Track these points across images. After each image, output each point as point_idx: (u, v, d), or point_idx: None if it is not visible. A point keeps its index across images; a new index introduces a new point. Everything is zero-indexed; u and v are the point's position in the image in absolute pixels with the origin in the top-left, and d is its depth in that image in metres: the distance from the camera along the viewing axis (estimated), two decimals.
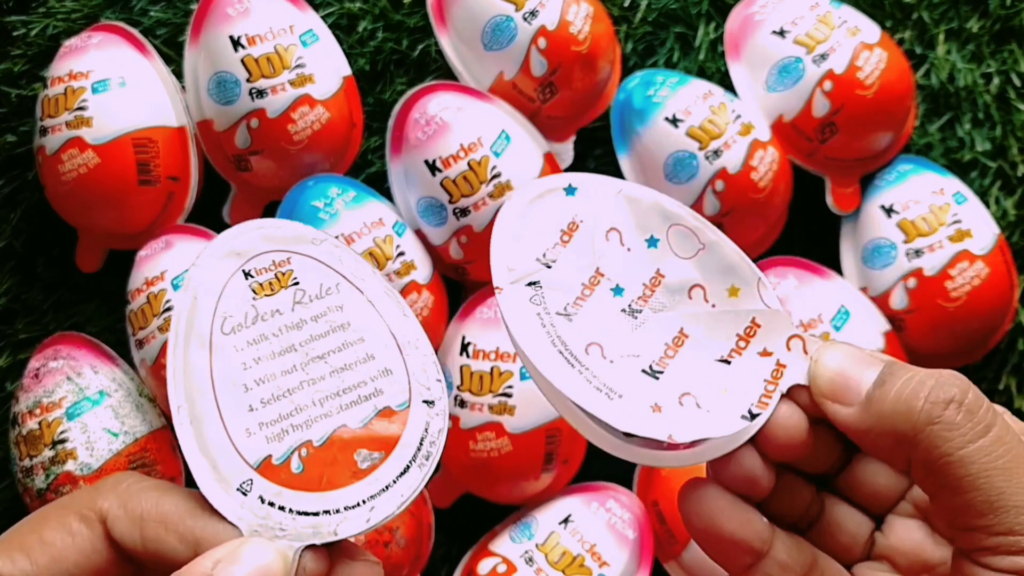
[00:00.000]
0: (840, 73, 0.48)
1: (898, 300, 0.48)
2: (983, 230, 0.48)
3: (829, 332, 0.46)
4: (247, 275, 0.29)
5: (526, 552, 0.45)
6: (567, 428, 0.46)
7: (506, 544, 0.46)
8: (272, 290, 0.29)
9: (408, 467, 0.28)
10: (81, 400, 0.46)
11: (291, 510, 0.26)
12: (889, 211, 0.49)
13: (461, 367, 0.46)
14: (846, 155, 0.50)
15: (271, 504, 0.26)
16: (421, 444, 0.28)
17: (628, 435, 0.29)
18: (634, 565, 0.46)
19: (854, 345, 0.28)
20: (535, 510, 0.47)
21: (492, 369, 0.45)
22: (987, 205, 0.51)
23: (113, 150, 0.47)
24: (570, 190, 0.30)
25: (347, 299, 0.29)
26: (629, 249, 0.30)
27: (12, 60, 0.53)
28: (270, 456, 0.27)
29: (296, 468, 0.27)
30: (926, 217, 0.48)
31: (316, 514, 0.26)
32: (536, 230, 0.30)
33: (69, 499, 0.27)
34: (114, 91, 0.47)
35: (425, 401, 0.29)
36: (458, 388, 0.46)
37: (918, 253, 0.48)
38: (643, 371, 0.29)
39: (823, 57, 0.48)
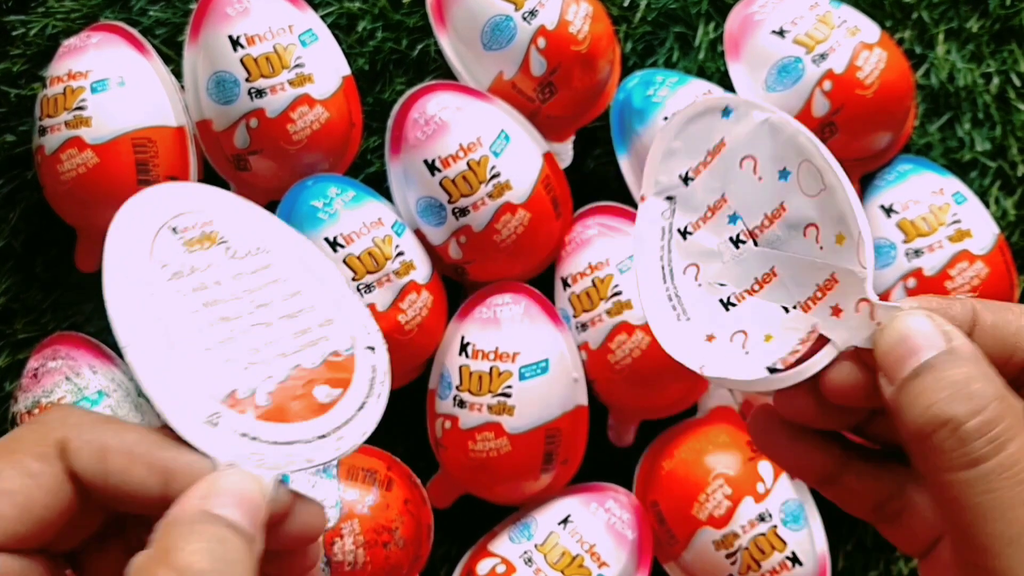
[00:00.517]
0: (840, 73, 0.48)
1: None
2: (983, 230, 0.48)
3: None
4: (174, 231, 0.29)
5: (525, 552, 0.45)
6: (566, 428, 0.46)
7: (505, 544, 0.46)
8: (203, 246, 0.30)
9: (364, 403, 0.29)
10: (80, 400, 0.46)
11: (264, 440, 0.27)
12: (889, 211, 0.49)
13: (460, 367, 0.46)
14: (846, 155, 0.50)
15: (244, 435, 0.27)
16: (372, 384, 0.29)
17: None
18: (633, 565, 0.46)
19: (931, 318, 0.26)
20: (534, 510, 0.47)
21: (491, 369, 0.45)
22: (987, 205, 0.51)
23: (112, 150, 0.47)
24: (727, 112, 0.31)
25: (276, 258, 0.30)
26: (760, 178, 0.30)
27: (11, 60, 0.53)
28: (235, 390, 0.27)
29: (262, 401, 0.27)
30: (926, 217, 0.48)
31: (290, 443, 0.27)
32: (688, 147, 0.32)
33: (14, 440, 0.25)
34: (113, 91, 0.47)
35: (368, 347, 0.30)
36: (457, 388, 0.46)
37: (918, 253, 0.48)
38: (720, 300, 0.31)
39: (823, 57, 0.48)
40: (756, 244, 0.30)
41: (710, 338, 0.30)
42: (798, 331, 0.29)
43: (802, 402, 0.28)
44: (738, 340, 0.30)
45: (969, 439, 0.24)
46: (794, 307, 0.29)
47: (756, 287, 0.30)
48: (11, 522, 0.24)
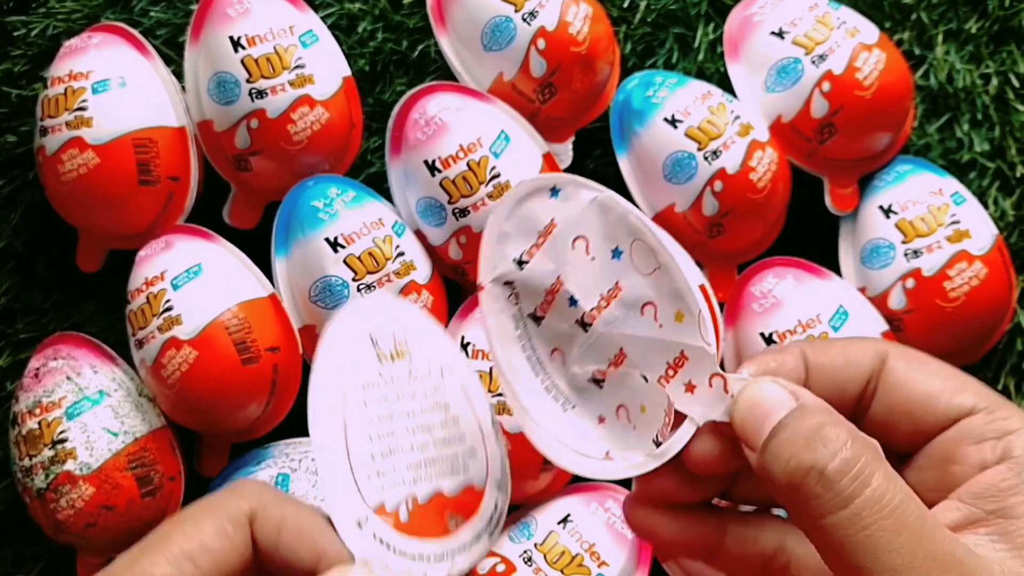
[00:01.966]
0: (839, 74, 0.48)
1: (896, 300, 0.48)
2: (981, 230, 0.49)
3: (828, 332, 0.47)
4: (373, 341, 0.32)
5: (525, 552, 0.45)
6: None
7: (505, 544, 0.46)
8: (392, 361, 0.32)
9: (480, 535, 0.32)
10: (81, 400, 0.46)
11: (395, 550, 0.30)
12: (888, 211, 0.49)
13: None
14: (845, 156, 0.50)
15: (380, 541, 0.29)
16: (491, 520, 0.32)
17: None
18: (633, 565, 0.46)
19: (776, 382, 0.28)
20: (534, 510, 0.47)
21: (491, 369, 0.45)
22: (985, 206, 0.51)
23: (113, 150, 0.47)
24: (554, 192, 0.31)
25: (445, 382, 0.33)
26: (594, 258, 0.30)
27: (12, 60, 0.53)
28: (384, 503, 0.30)
29: (403, 517, 0.30)
30: (924, 217, 0.48)
31: (413, 558, 0.30)
32: (520, 230, 0.31)
33: (213, 503, 0.28)
34: (114, 91, 0.47)
35: (497, 484, 0.33)
36: None
37: (916, 253, 0.48)
38: (592, 380, 0.31)
39: (822, 58, 0.48)
40: (595, 326, 0.30)
41: (601, 420, 0.30)
42: (660, 403, 0.29)
43: (667, 479, 0.29)
44: (623, 415, 0.30)
45: (835, 480, 0.25)
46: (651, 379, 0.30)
47: (612, 368, 0.30)
48: (205, 575, 0.27)
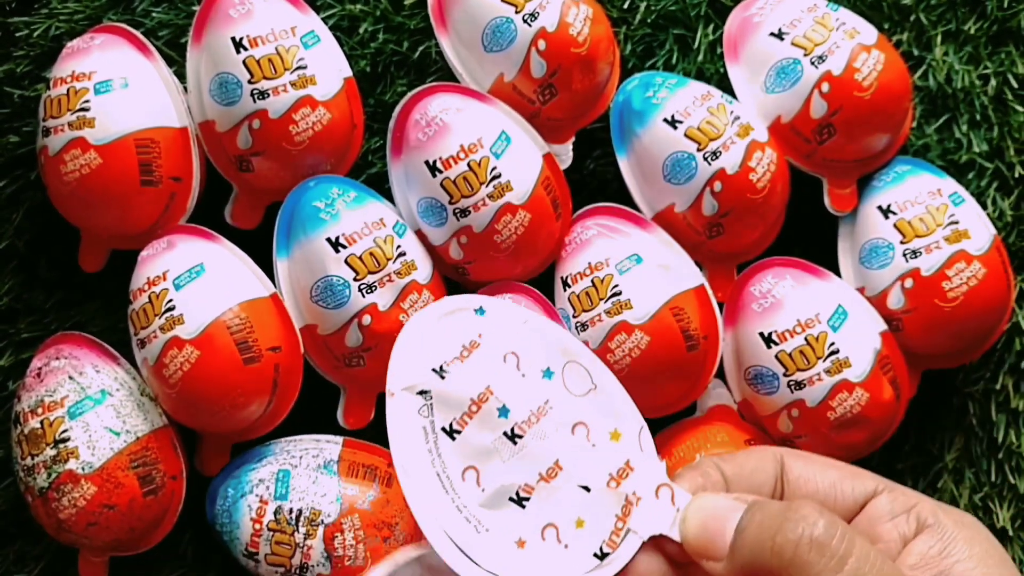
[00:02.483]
0: (838, 75, 0.48)
1: (895, 300, 0.49)
2: (980, 231, 0.49)
3: (826, 332, 0.47)
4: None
5: None
6: None
7: None
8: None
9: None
10: (83, 399, 0.46)
11: None
12: (886, 212, 0.49)
13: None
14: (844, 156, 0.50)
15: None
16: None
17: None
18: None
19: (719, 496, 0.28)
20: None
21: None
22: (984, 206, 0.51)
23: (115, 151, 0.47)
24: (480, 311, 0.31)
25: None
26: (524, 375, 0.30)
27: (15, 61, 0.53)
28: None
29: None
30: (923, 218, 0.49)
31: None
32: (439, 343, 0.31)
33: None
34: (116, 92, 0.48)
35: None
36: None
37: (915, 253, 0.48)
38: (512, 499, 0.29)
39: (821, 59, 0.48)
40: (526, 439, 0.29)
41: (520, 544, 0.29)
42: (608, 512, 0.28)
43: None
44: (551, 536, 0.29)
45: (826, 544, 0.25)
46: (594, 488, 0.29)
47: (543, 482, 0.29)
48: None
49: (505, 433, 0.29)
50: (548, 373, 0.30)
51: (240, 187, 0.50)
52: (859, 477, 0.31)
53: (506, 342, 0.30)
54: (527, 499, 0.29)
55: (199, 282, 0.46)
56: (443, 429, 0.29)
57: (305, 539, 0.45)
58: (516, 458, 0.29)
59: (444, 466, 0.29)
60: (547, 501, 0.29)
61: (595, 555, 0.28)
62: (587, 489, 0.29)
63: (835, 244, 0.51)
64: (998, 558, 0.29)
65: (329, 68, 0.49)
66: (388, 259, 0.46)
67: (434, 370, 0.30)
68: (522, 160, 0.48)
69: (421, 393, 0.30)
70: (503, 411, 0.29)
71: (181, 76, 0.50)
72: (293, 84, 0.47)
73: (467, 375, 0.30)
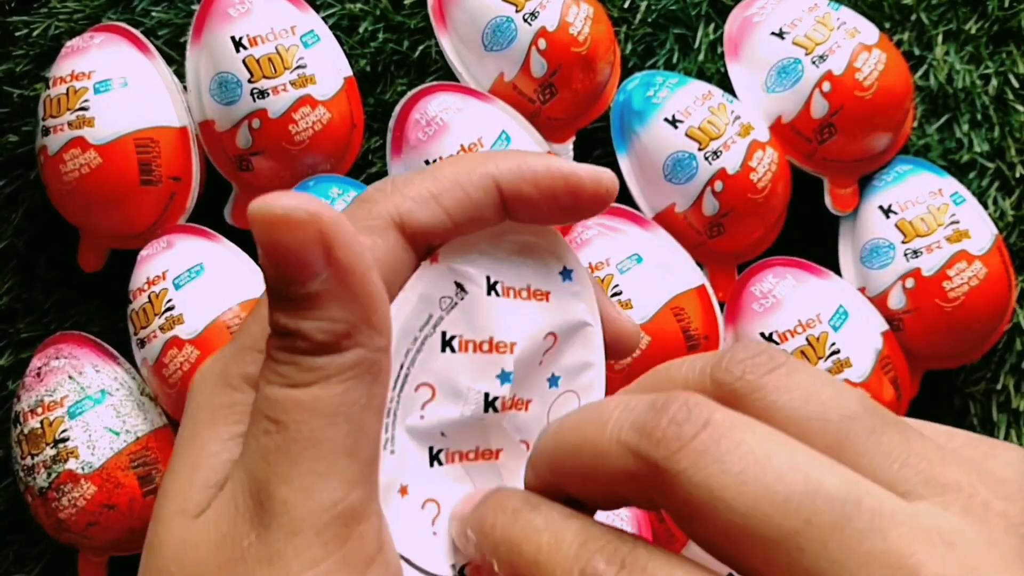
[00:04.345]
0: (839, 74, 0.48)
1: (896, 300, 0.48)
2: (981, 231, 0.49)
3: (827, 332, 0.47)
4: None
5: None
6: None
7: None
8: None
9: None
10: (83, 399, 0.46)
11: None
12: (887, 211, 0.49)
13: None
14: (845, 156, 0.50)
15: None
16: None
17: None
18: None
19: None
20: None
21: None
22: (985, 206, 0.51)
23: (115, 150, 0.47)
24: (566, 274, 0.27)
25: None
26: (541, 363, 0.26)
27: (14, 60, 0.53)
28: None
29: None
30: (924, 218, 0.49)
31: None
32: (509, 264, 0.26)
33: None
34: (116, 91, 0.48)
35: None
36: None
37: (916, 253, 0.48)
38: (430, 449, 0.25)
39: (822, 58, 0.48)
40: (501, 415, 0.25)
41: (403, 491, 0.23)
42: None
43: None
44: (429, 511, 0.24)
45: None
46: None
47: (473, 456, 0.25)
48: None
49: (486, 393, 0.24)
50: (554, 381, 0.26)
51: (240, 187, 0.50)
52: None
53: (561, 319, 0.26)
54: (440, 463, 0.24)
55: (199, 282, 0.46)
56: (442, 333, 0.24)
57: None
58: (472, 420, 0.24)
59: (411, 363, 0.24)
60: (456, 481, 0.25)
61: (454, 567, 0.24)
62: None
63: (836, 244, 0.51)
64: None
65: (329, 67, 0.49)
66: None
67: (487, 283, 0.25)
68: None
69: (457, 286, 0.25)
70: (505, 376, 0.25)
71: (181, 75, 0.50)
72: (293, 83, 0.47)
73: (508, 312, 0.25)
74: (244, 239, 0.49)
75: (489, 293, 0.25)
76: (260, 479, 0.20)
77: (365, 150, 0.52)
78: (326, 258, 0.19)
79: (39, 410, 0.46)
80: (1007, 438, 0.51)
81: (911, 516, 0.17)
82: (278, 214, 0.19)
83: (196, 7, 0.49)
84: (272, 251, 0.19)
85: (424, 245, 0.23)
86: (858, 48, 0.49)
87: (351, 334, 0.20)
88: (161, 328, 0.45)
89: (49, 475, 0.44)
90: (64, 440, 0.45)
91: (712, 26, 0.54)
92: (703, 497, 0.18)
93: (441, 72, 0.53)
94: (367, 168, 0.52)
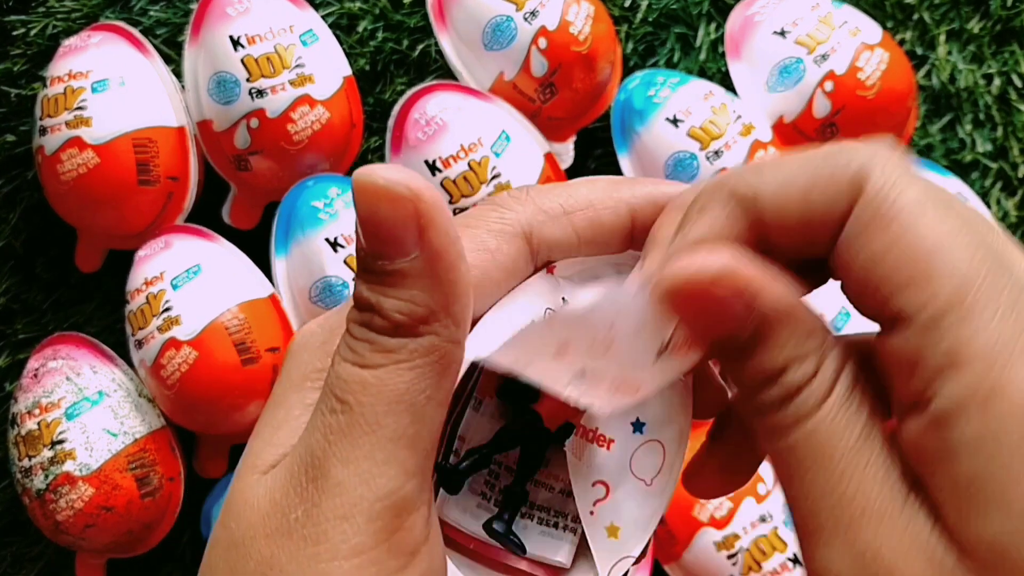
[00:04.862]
0: (841, 74, 0.48)
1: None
2: None
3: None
4: None
5: None
6: None
7: None
8: None
9: None
10: (80, 400, 0.45)
11: None
12: None
13: None
14: None
15: None
16: None
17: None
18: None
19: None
20: None
21: None
22: (988, 206, 0.51)
23: (113, 150, 0.47)
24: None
25: None
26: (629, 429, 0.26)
27: (12, 60, 0.53)
28: None
29: None
30: None
31: None
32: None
33: (475, 216, 0.24)
34: (114, 91, 0.47)
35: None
36: None
37: None
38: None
39: (824, 58, 0.48)
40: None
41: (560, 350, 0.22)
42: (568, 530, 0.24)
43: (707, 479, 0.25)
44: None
45: None
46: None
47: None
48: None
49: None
50: (639, 427, 0.25)
51: (238, 186, 0.50)
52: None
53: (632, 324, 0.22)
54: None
55: (197, 282, 0.46)
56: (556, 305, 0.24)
57: None
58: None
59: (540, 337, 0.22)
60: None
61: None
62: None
63: None
64: None
65: (328, 67, 0.49)
66: None
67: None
68: (523, 159, 0.47)
69: (564, 300, 0.24)
70: (578, 376, 0.22)
71: (179, 75, 0.50)
72: (292, 83, 0.47)
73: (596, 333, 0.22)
74: (242, 239, 0.49)
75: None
76: (318, 456, 0.20)
77: (364, 150, 0.52)
78: (418, 238, 0.19)
79: (36, 411, 0.45)
80: None
81: None
82: (380, 185, 0.19)
83: (194, 6, 0.49)
84: (367, 221, 0.19)
85: (545, 258, 0.24)
86: (860, 47, 0.48)
87: (428, 320, 0.20)
88: (159, 329, 0.45)
89: (47, 477, 0.44)
90: (62, 442, 0.44)
91: (713, 25, 0.54)
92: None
93: (441, 71, 0.53)
94: None
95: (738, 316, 0.19)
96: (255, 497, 0.20)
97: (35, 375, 0.47)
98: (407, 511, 0.20)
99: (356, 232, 0.20)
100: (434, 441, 0.21)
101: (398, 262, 0.19)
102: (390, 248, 0.19)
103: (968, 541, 0.17)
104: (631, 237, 0.24)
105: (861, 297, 0.19)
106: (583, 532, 0.24)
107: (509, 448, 0.24)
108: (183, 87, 0.49)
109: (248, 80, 0.46)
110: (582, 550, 0.25)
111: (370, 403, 0.19)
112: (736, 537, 0.45)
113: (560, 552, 0.24)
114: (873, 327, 0.19)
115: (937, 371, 0.18)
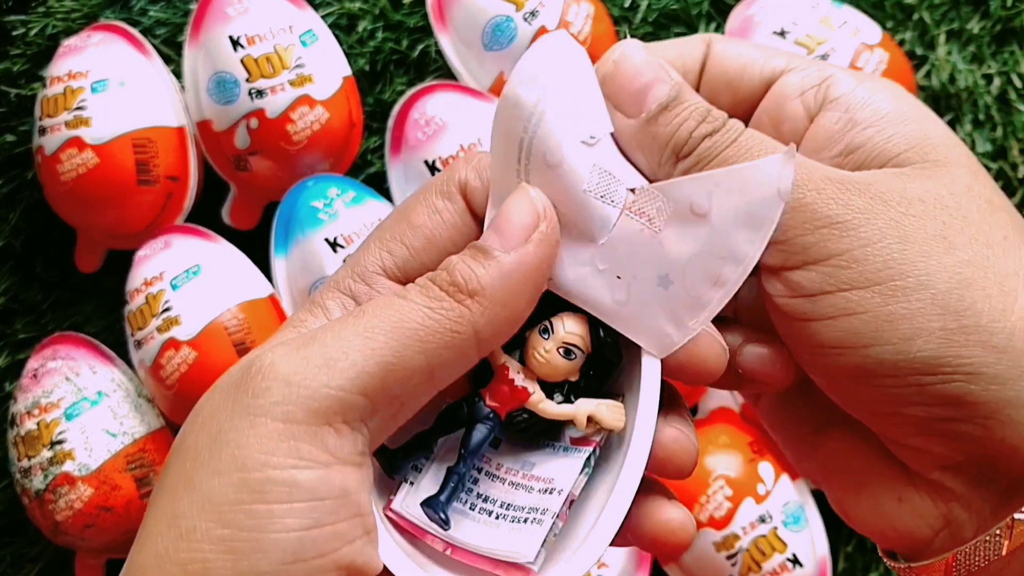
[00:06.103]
0: None
1: None
2: None
3: None
4: None
5: None
6: None
7: None
8: None
9: None
10: (80, 401, 0.45)
11: None
12: None
13: None
14: None
15: None
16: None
17: None
18: (633, 566, 0.46)
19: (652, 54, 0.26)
20: None
21: None
22: None
23: (112, 150, 0.47)
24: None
25: None
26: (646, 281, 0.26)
27: (11, 60, 0.53)
28: None
29: None
30: None
31: None
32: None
33: (428, 184, 0.27)
34: (113, 91, 0.47)
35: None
36: None
37: None
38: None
39: (824, 58, 0.48)
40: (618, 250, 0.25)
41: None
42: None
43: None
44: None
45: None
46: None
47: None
48: (418, 253, 0.25)
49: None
50: (664, 281, 0.25)
51: (238, 186, 0.50)
52: (775, 57, 0.27)
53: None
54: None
55: (196, 282, 0.46)
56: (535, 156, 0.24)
57: None
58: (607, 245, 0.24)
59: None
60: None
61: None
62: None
63: None
64: (917, 114, 0.25)
65: (327, 67, 0.49)
66: None
67: (589, 137, 0.25)
68: None
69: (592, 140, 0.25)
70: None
71: (178, 75, 0.50)
72: (291, 83, 0.47)
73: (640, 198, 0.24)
74: (242, 239, 0.49)
75: (589, 143, 0.25)
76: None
77: (364, 150, 0.52)
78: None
79: (36, 412, 0.45)
80: None
81: None
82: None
83: (194, 6, 0.49)
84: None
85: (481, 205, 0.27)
86: (860, 48, 0.48)
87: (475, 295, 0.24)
88: (158, 329, 0.45)
89: (46, 477, 0.44)
90: (61, 442, 0.44)
91: (713, 25, 0.54)
92: None
93: (440, 71, 0.53)
94: (366, 168, 0.52)
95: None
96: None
97: (35, 375, 0.47)
98: (340, 418, 0.22)
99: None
100: (399, 404, 0.23)
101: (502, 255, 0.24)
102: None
103: None
104: None
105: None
106: (546, 524, 0.24)
107: (452, 430, 0.25)
108: (183, 87, 0.49)
109: (248, 80, 0.46)
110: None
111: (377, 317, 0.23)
112: (735, 537, 0.45)
113: (519, 544, 0.24)
114: None
115: None
